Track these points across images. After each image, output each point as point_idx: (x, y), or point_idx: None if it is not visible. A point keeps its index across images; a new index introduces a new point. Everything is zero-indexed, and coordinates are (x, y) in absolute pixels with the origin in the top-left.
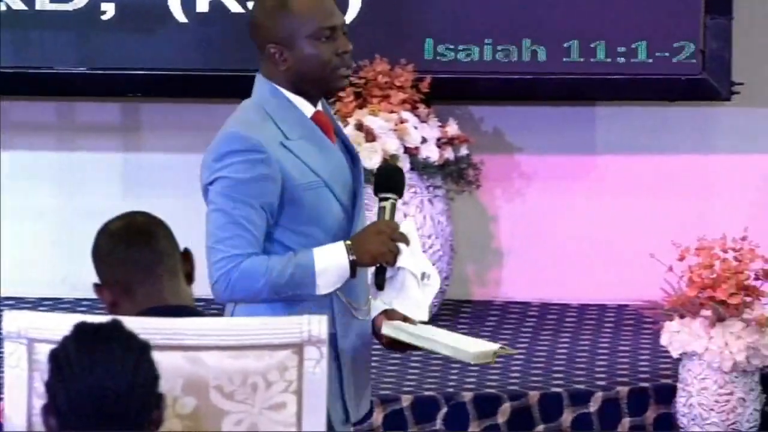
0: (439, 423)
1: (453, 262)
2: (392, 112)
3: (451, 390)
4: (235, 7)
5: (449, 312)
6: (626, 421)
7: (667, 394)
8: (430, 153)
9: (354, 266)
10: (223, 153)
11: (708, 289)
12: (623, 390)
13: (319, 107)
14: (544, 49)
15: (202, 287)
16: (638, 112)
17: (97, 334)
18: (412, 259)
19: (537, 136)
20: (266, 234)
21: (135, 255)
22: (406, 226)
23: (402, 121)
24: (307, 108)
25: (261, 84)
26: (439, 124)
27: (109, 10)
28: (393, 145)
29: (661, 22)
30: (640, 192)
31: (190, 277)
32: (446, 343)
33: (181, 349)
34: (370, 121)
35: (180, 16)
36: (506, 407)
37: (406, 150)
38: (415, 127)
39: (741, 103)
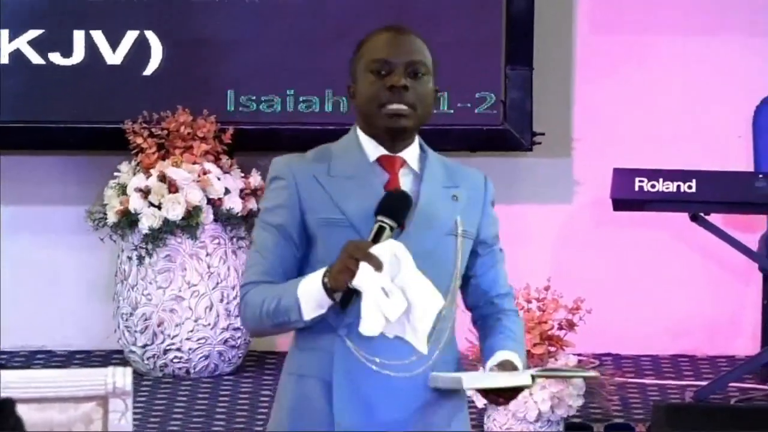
0: None
1: None
2: (195, 163)
3: None
4: (37, 59)
5: (253, 363)
6: None
7: None
8: (234, 204)
9: (328, 289)
10: (267, 180)
11: None
12: None
13: (404, 154)
14: (348, 100)
15: (5, 339)
16: None
17: None
18: (371, 278)
19: None
20: (299, 269)
21: None
22: (385, 247)
23: (205, 172)
24: (373, 150)
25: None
26: (242, 175)
27: None
28: (196, 197)
29: (462, 73)
30: None
31: None
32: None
33: None
34: (173, 173)
35: None
36: None
37: (210, 201)
38: (219, 178)
39: (542, 153)
